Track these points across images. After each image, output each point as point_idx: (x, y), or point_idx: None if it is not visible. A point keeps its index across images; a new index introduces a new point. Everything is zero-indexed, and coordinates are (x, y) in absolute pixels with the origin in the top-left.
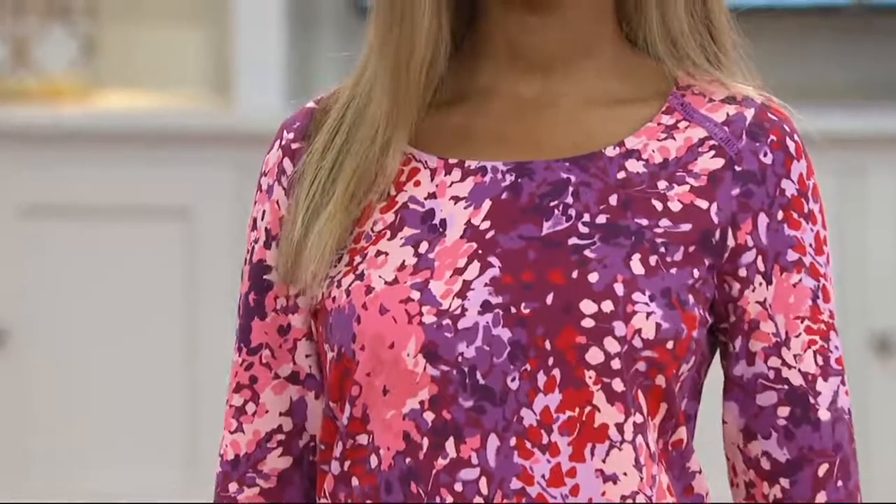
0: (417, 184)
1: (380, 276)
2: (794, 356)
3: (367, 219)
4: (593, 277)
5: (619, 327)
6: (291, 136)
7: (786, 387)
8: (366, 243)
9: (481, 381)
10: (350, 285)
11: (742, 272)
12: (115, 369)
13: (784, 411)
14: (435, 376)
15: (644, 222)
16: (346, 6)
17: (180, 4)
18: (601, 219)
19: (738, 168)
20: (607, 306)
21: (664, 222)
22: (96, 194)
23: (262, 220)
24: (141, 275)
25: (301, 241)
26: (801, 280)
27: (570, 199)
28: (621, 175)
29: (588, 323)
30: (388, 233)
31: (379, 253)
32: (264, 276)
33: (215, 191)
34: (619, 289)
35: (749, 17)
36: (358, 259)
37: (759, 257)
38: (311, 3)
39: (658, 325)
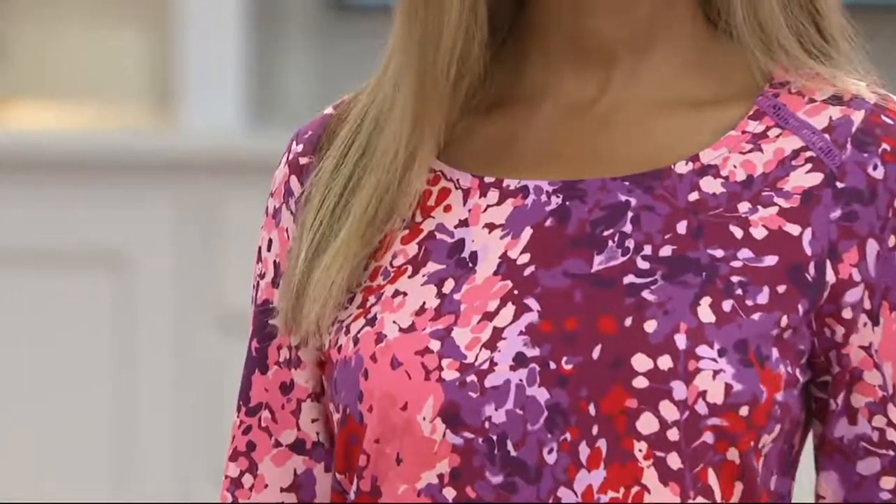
0: (448, 209)
1: (394, 322)
2: None
3: (385, 251)
4: (650, 326)
5: (679, 389)
6: (300, 148)
7: (892, 452)
8: (383, 280)
9: (512, 453)
10: (359, 332)
11: (847, 313)
12: (32, 446)
13: (889, 483)
14: (457, 445)
15: (719, 254)
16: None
17: None
18: (666, 251)
19: (839, 185)
20: (664, 362)
21: (744, 253)
22: (5, 236)
23: (269, 250)
24: (62, 336)
25: (304, 277)
26: None
27: (628, 228)
28: (693, 196)
29: (640, 382)
30: (410, 268)
31: (397, 293)
32: (269, 321)
33: (154, 232)
34: (680, 341)
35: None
36: (372, 300)
37: (867, 293)
38: None
39: (728, 387)
